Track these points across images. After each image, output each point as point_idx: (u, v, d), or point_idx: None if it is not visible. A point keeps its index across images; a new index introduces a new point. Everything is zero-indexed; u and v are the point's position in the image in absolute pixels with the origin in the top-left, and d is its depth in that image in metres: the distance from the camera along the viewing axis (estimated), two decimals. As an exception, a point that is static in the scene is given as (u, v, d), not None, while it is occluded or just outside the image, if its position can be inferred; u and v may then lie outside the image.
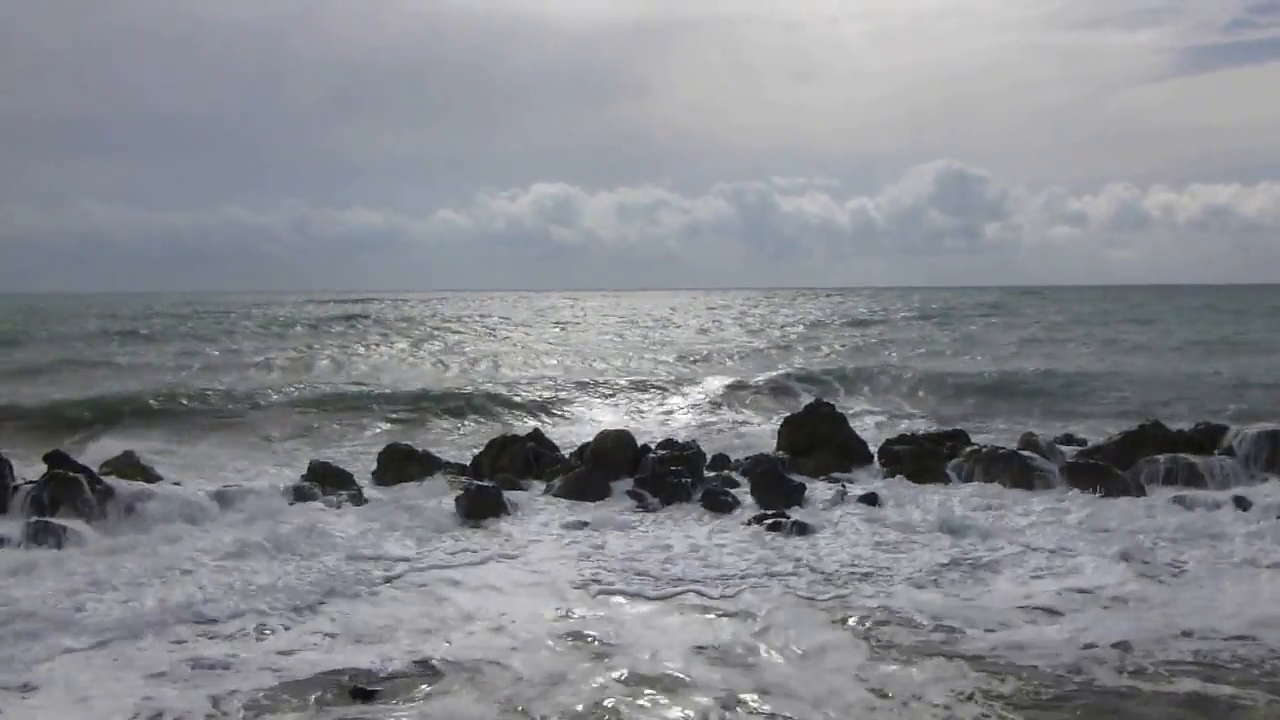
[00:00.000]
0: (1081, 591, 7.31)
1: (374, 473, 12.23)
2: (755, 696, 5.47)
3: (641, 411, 19.27)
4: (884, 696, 5.50)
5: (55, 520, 9.27)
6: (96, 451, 12.27)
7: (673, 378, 23.74)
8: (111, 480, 10.49)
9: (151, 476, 11.20)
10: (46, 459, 10.74)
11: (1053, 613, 6.88)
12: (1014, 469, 11.22)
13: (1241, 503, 10.01)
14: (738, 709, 5.34)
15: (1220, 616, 6.68)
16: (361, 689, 5.64)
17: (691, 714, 5.30)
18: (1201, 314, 50.82)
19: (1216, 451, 11.97)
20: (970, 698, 5.46)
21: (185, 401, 18.49)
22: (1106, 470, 10.97)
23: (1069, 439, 13.11)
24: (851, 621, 6.77)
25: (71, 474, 10.35)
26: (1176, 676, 5.71)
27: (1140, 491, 10.66)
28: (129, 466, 11.28)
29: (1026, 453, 11.71)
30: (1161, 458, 11.53)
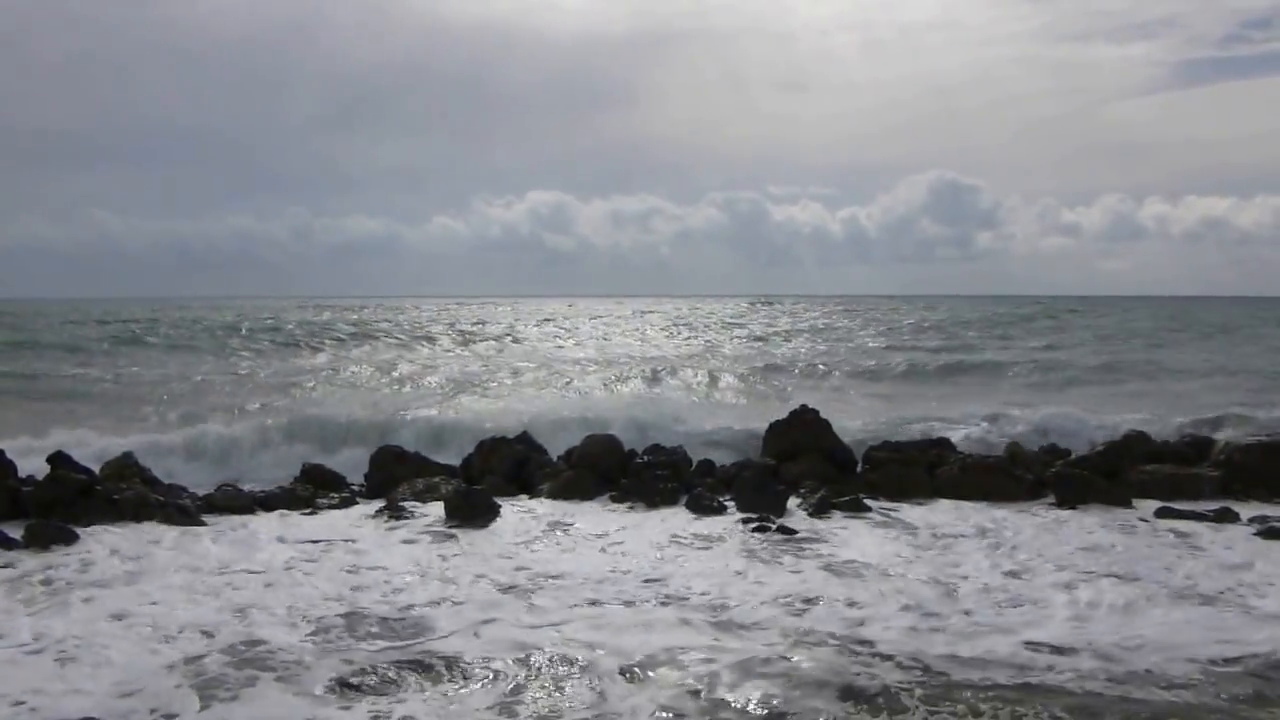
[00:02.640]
0: (1041, 604, 7.28)
1: (366, 475, 12.33)
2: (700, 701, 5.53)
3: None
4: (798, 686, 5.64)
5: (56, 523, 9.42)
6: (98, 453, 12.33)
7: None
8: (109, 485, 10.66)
9: (147, 479, 11.30)
10: (50, 460, 10.85)
11: (1012, 622, 6.87)
12: (997, 479, 11.37)
13: (1225, 516, 10.12)
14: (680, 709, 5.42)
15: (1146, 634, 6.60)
16: (348, 682, 5.77)
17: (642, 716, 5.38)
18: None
19: (1205, 464, 12.09)
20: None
21: (183, 402, 18.53)
22: (1091, 481, 11.09)
23: (1054, 449, 13.21)
24: (816, 623, 6.81)
25: (74, 476, 10.48)
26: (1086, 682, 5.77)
27: (1126, 504, 10.77)
28: (127, 468, 11.39)
29: (1010, 464, 11.85)
30: (1149, 469, 11.65)
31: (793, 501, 10.67)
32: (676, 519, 10.21)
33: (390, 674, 5.90)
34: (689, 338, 42.69)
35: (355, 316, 52.82)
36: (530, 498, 11.35)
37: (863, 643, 6.42)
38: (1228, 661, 6.14)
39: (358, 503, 11.17)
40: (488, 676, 5.85)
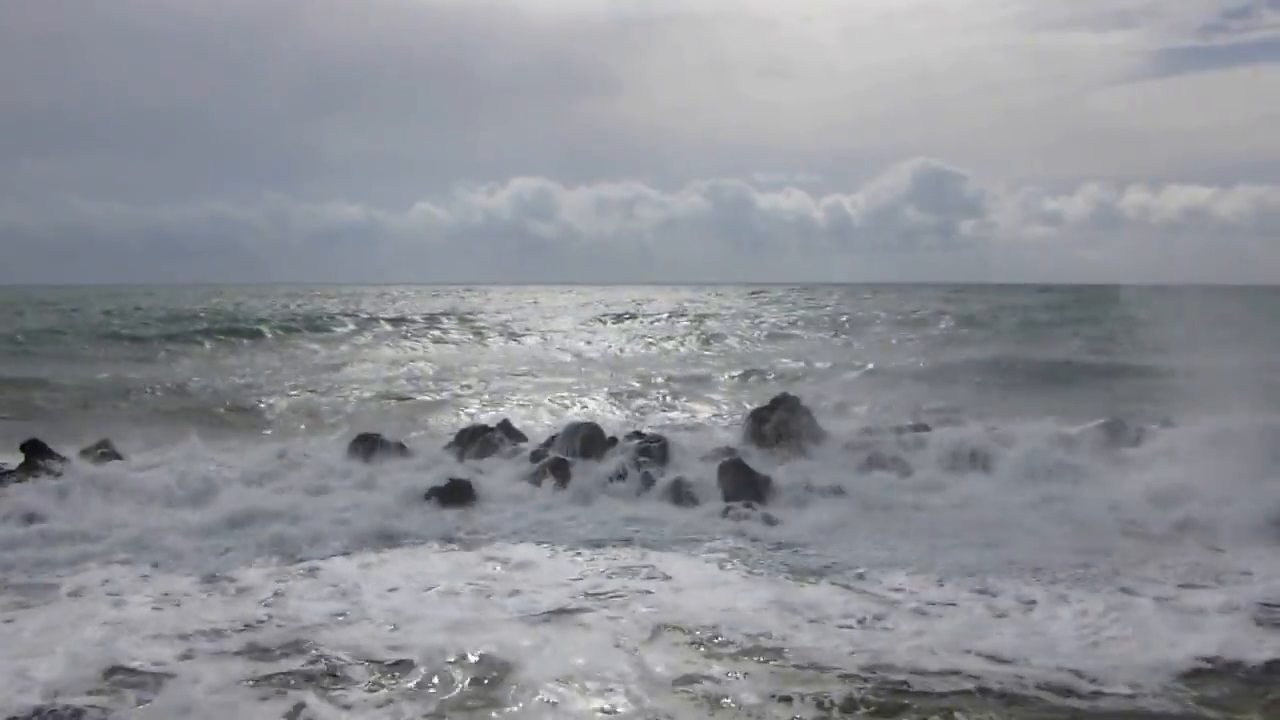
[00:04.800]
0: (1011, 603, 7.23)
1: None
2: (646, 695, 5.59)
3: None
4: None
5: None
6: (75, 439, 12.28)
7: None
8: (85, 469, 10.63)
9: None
10: (23, 447, 10.81)
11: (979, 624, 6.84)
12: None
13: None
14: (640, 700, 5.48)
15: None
16: (329, 673, 5.86)
17: (610, 706, 5.44)
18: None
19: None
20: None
21: (173, 395, 18.46)
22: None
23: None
24: (770, 626, 6.71)
25: (52, 462, 10.47)
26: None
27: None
28: (103, 455, 11.36)
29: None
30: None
31: (774, 486, 10.66)
32: (652, 507, 10.20)
33: (295, 691, 5.67)
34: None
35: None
36: (510, 484, 11.31)
37: (806, 650, 6.26)
38: (1186, 664, 6.06)
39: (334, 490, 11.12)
40: (411, 687, 5.69)
